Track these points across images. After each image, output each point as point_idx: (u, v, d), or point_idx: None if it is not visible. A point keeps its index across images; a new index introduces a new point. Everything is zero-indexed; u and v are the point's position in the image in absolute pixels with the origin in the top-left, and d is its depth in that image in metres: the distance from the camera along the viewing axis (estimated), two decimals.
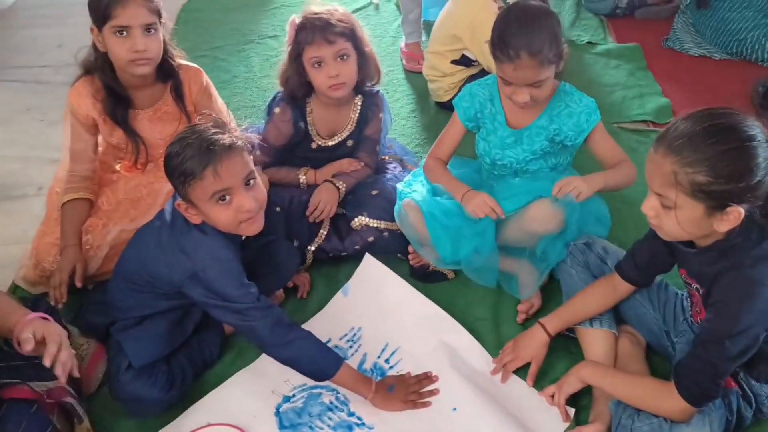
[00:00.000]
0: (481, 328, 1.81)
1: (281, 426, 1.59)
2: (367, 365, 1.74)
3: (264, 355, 1.66)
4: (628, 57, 3.01)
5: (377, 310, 1.85)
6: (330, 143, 2.08)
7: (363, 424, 1.59)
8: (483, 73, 2.51)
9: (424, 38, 3.03)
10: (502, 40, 1.63)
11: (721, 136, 1.21)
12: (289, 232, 1.95)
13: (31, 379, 1.41)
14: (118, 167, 2.02)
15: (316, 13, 1.89)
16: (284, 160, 2.09)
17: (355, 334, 1.81)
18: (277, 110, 2.02)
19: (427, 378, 1.67)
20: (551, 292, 1.86)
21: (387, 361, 1.74)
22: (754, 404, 1.46)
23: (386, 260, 1.95)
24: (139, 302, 1.61)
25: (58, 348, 1.34)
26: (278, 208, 1.94)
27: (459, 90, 2.56)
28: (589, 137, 1.77)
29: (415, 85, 2.89)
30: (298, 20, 1.92)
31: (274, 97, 2.07)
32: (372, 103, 2.07)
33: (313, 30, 1.87)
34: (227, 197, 1.44)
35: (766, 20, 2.90)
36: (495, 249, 1.79)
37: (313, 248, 1.97)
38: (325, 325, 1.81)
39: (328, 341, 1.76)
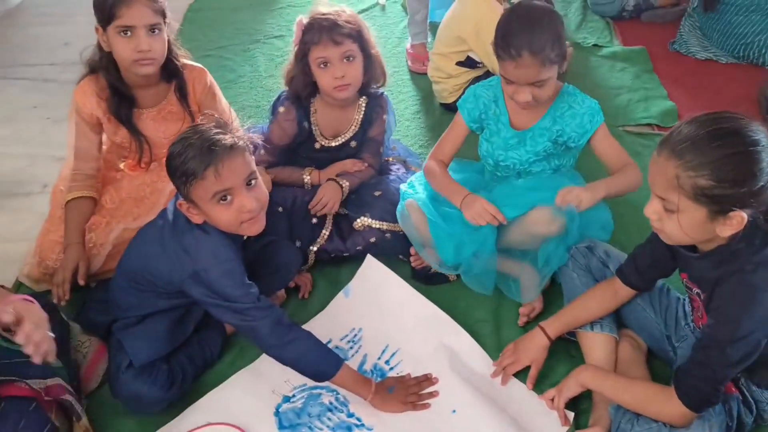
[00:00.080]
0: (481, 330, 1.81)
1: (281, 426, 1.59)
2: (368, 366, 1.74)
3: (264, 355, 1.66)
4: (634, 60, 3.01)
5: (378, 312, 1.85)
6: (333, 144, 2.08)
7: (362, 425, 1.59)
8: (488, 74, 2.51)
9: (429, 39, 3.03)
10: (504, 39, 1.63)
11: (725, 140, 1.21)
12: (292, 232, 1.95)
13: (30, 377, 1.41)
14: (122, 166, 2.03)
15: (323, 14, 1.90)
16: (288, 160, 2.09)
17: (355, 335, 1.81)
18: (281, 109, 2.02)
19: (427, 380, 1.67)
20: (552, 296, 1.86)
21: (387, 362, 1.74)
22: (754, 410, 1.45)
23: (388, 261, 1.95)
24: (141, 301, 1.61)
25: (33, 329, 1.31)
26: (281, 209, 1.94)
27: (463, 92, 2.56)
28: (593, 139, 1.76)
29: (420, 87, 2.89)
30: (305, 20, 1.93)
31: (279, 97, 2.07)
32: (376, 105, 2.08)
33: (320, 30, 1.87)
34: (228, 197, 1.45)
35: None
36: (494, 253, 1.79)
37: (315, 248, 1.97)
38: (325, 325, 1.82)
39: (329, 342, 1.76)
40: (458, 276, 1.91)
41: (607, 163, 1.77)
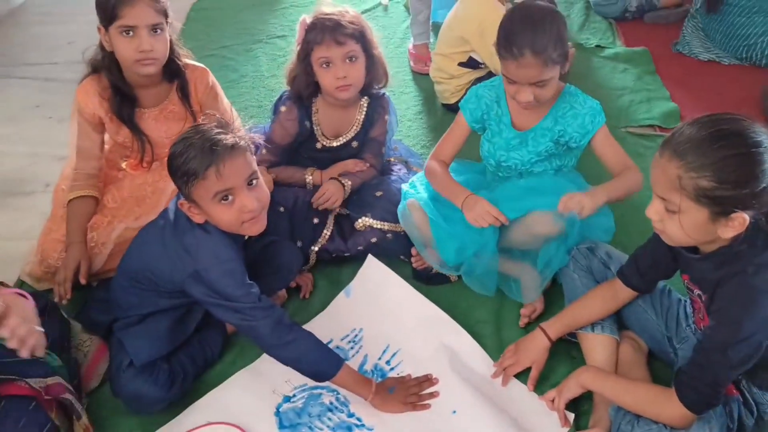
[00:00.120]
0: (482, 331, 1.81)
1: (281, 426, 1.59)
2: (368, 366, 1.74)
3: (265, 355, 1.66)
4: (636, 61, 3.01)
5: (379, 312, 1.85)
6: (335, 144, 2.08)
7: (363, 425, 1.59)
8: (490, 75, 2.51)
9: (432, 40, 3.03)
10: (507, 38, 1.64)
11: (727, 141, 1.20)
12: (293, 232, 1.95)
13: (30, 376, 1.41)
14: (124, 165, 2.03)
15: (327, 14, 1.90)
16: (290, 160, 2.10)
17: (356, 335, 1.81)
18: (283, 109, 2.03)
19: (428, 380, 1.67)
20: (553, 297, 1.86)
21: (388, 362, 1.75)
22: (755, 412, 1.45)
23: (389, 262, 1.95)
24: (142, 300, 1.62)
25: (19, 322, 1.31)
26: (282, 209, 1.95)
27: (465, 92, 2.56)
28: (594, 139, 1.76)
29: (423, 87, 2.90)
30: (308, 20, 1.93)
31: (281, 96, 2.07)
32: (378, 105, 2.08)
33: (324, 30, 1.87)
34: (230, 197, 1.45)
35: None
36: (495, 254, 1.79)
37: (316, 248, 1.97)
38: (326, 325, 1.82)
39: (330, 342, 1.76)
40: (459, 277, 1.91)
41: (608, 164, 1.77)
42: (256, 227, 1.52)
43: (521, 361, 1.67)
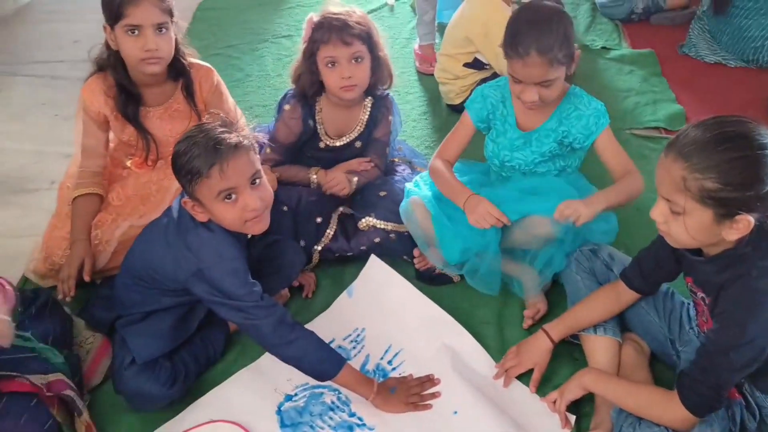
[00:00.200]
0: (484, 332, 1.81)
1: (282, 424, 1.59)
2: (370, 366, 1.74)
3: (267, 354, 1.67)
4: (642, 63, 3.00)
5: (381, 312, 1.85)
6: (338, 144, 2.08)
7: (364, 424, 1.59)
8: (495, 76, 2.51)
9: (438, 41, 3.02)
10: (513, 37, 1.64)
11: (732, 143, 1.20)
12: (296, 231, 1.96)
13: (31, 372, 1.42)
14: (128, 164, 2.04)
15: (334, 13, 1.90)
16: (294, 160, 2.10)
17: (358, 335, 1.82)
18: (287, 107, 2.03)
19: (429, 380, 1.67)
20: (556, 298, 1.86)
21: (390, 362, 1.75)
22: (758, 416, 1.44)
23: (392, 262, 1.95)
24: (145, 298, 1.62)
25: None
26: (285, 208, 1.95)
27: (470, 93, 2.55)
28: (597, 141, 1.76)
29: (428, 87, 2.89)
30: (315, 18, 1.93)
31: (285, 95, 2.08)
32: (382, 106, 2.08)
33: (330, 29, 1.88)
34: (233, 196, 1.45)
35: None
36: (498, 254, 1.79)
37: (319, 248, 1.97)
38: (329, 325, 1.82)
39: (332, 341, 1.76)
40: (462, 277, 1.91)
41: (610, 166, 1.76)
42: (259, 226, 1.53)
43: (523, 363, 1.66)
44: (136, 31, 1.77)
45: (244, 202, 1.46)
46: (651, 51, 3.07)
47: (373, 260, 1.94)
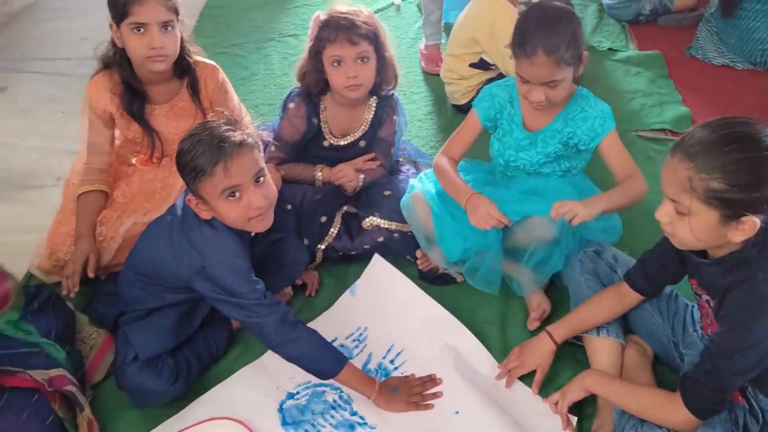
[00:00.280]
0: (487, 332, 1.81)
1: (284, 422, 1.60)
2: (372, 365, 1.74)
3: (269, 352, 1.67)
4: (649, 64, 2.99)
5: (384, 311, 1.85)
6: (342, 143, 2.09)
7: (365, 423, 1.59)
8: (500, 77, 2.50)
9: (444, 41, 3.02)
10: (521, 36, 1.64)
11: (739, 144, 1.20)
12: (300, 230, 1.96)
13: (33, 367, 1.42)
14: (134, 161, 2.05)
15: (341, 13, 1.90)
16: (299, 158, 2.10)
17: (361, 334, 1.82)
18: (291, 105, 2.04)
19: (431, 380, 1.67)
20: (559, 299, 1.85)
21: (392, 362, 1.75)
22: (761, 419, 1.43)
23: (395, 261, 1.95)
24: (148, 295, 1.62)
25: None
26: (289, 206, 1.95)
27: (476, 93, 2.55)
28: (602, 143, 1.75)
29: (433, 87, 2.89)
30: (323, 17, 1.93)
31: (290, 93, 2.08)
32: (386, 105, 2.08)
33: (337, 29, 1.88)
34: (237, 194, 1.45)
35: None
36: (500, 253, 1.78)
37: (323, 247, 1.98)
38: (331, 324, 1.82)
39: (334, 340, 1.76)
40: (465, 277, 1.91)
41: (613, 169, 1.75)
42: (262, 224, 1.53)
43: (526, 364, 1.66)
44: (142, 29, 1.78)
45: (248, 200, 1.46)
46: (658, 53, 3.06)
47: (377, 259, 1.94)
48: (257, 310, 1.51)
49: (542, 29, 1.61)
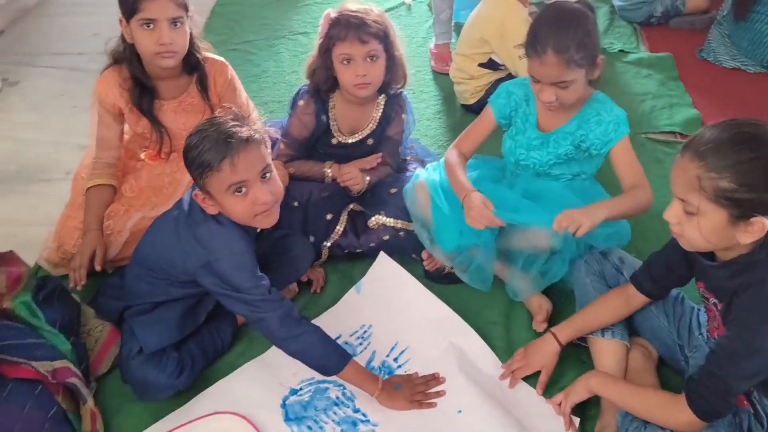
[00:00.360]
0: (492, 332, 1.80)
1: (287, 418, 1.60)
2: (376, 363, 1.74)
3: (273, 347, 1.67)
4: (660, 67, 2.97)
5: (389, 309, 1.85)
6: (350, 140, 2.09)
7: (368, 420, 1.60)
8: (510, 77, 2.50)
9: (454, 40, 3.02)
10: (533, 35, 1.64)
11: (748, 144, 1.19)
12: (306, 227, 1.96)
13: (37, 359, 1.43)
14: (142, 156, 2.06)
15: (352, 11, 1.90)
16: (308, 156, 2.11)
17: (365, 332, 1.82)
18: (300, 102, 2.04)
19: (434, 379, 1.67)
20: (565, 300, 1.85)
21: (396, 360, 1.75)
22: (765, 424, 1.42)
23: (401, 260, 1.95)
24: (154, 288, 1.63)
25: None
26: (296, 203, 1.96)
27: (485, 93, 2.55)
28: (613, 149, 1.73)
29: (443, 87, 2.89)
30: (333, 14, 1.93)
31: (299, 91, 2.08)
32: (395, 104, 2.08)
33: (348, 27, 1.88)
34: (243, 189, 1.46)
35: None
36: (493, 249, 1.78)
37: (329, 244, 1.98)
38: (336, 321, 1.82)
39: (339, 337, 1.77)
40: None
41: (621, 177, 1.72)
42: (268, 220, 1.53)
43: (531, 365, 1.66)
44: (151, 25, 1.79)
45: (254, 196, 1.47)
46: (669, 55, 3.04)
47: (382, 257, 1.94)
48: (262, 305, 1.51)
49: (554, 29, 1.60)
